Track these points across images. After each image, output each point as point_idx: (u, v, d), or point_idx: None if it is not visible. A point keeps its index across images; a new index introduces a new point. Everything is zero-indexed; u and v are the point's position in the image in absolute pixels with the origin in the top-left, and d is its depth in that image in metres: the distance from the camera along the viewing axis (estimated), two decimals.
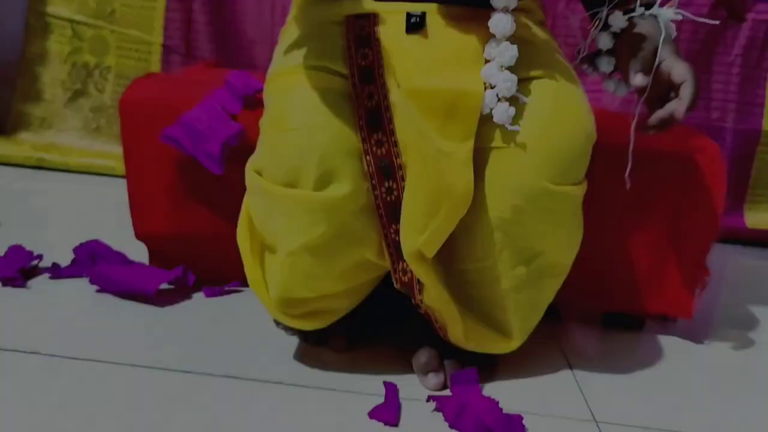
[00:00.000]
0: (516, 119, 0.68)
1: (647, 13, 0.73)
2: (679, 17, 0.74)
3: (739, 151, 1.47)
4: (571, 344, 0.89)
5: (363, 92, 0.68)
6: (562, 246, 0.72)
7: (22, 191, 1.34)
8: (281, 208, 0.67)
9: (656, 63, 0.70)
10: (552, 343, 0.88)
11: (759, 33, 1.43)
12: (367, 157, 0.67)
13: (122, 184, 0.90)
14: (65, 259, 0.94)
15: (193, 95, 0.86)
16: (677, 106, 0.68)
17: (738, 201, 1.49)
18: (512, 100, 0.68)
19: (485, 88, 0.68)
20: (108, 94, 1.56)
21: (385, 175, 0.67)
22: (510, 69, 0.68)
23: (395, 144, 0.67)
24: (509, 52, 0.68)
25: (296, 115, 0.67)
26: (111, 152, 1.52)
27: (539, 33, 0.76)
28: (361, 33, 0.70)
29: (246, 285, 0.75)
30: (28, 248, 0.93)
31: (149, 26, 1.53)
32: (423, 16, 0.70)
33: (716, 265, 0.92)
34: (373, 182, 0.67)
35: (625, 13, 0.74)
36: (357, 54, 0.69)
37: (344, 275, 0.70)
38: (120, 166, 1.45)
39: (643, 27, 0.72)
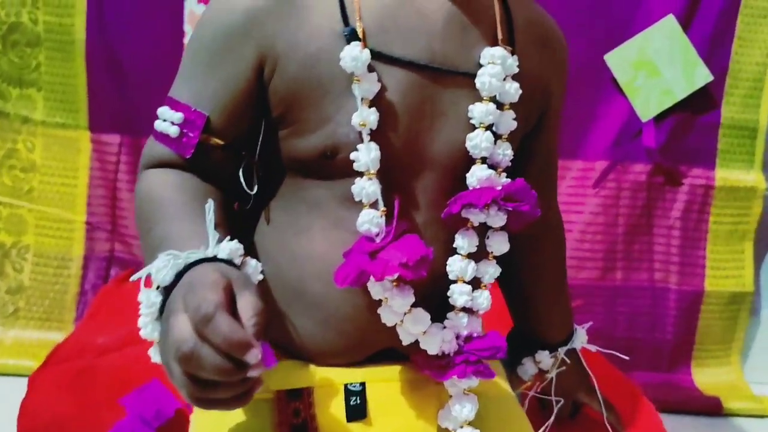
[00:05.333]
0: None
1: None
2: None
3: (683, 311, 1.47)
4: None
5: None
6: None
7: None
8: None
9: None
10: None
11: (696, 197, 1.44)
12: None
13: None
14: None
15: (100, 412, 0.79)
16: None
17: (685, 359, 1.49)
18: None
19: None
20: (27, 274, 1.46)
21: None
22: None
23: None
24: (469, 408, 0.64)
25: None
26: (30, 342, 1.42)
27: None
28: (296, 422, 0.62)
29: None
30: None
31: (71, 203, 1.44)
32: (363, 392, 0.63)
33: None
34: None
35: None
36: None
37: None
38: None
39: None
